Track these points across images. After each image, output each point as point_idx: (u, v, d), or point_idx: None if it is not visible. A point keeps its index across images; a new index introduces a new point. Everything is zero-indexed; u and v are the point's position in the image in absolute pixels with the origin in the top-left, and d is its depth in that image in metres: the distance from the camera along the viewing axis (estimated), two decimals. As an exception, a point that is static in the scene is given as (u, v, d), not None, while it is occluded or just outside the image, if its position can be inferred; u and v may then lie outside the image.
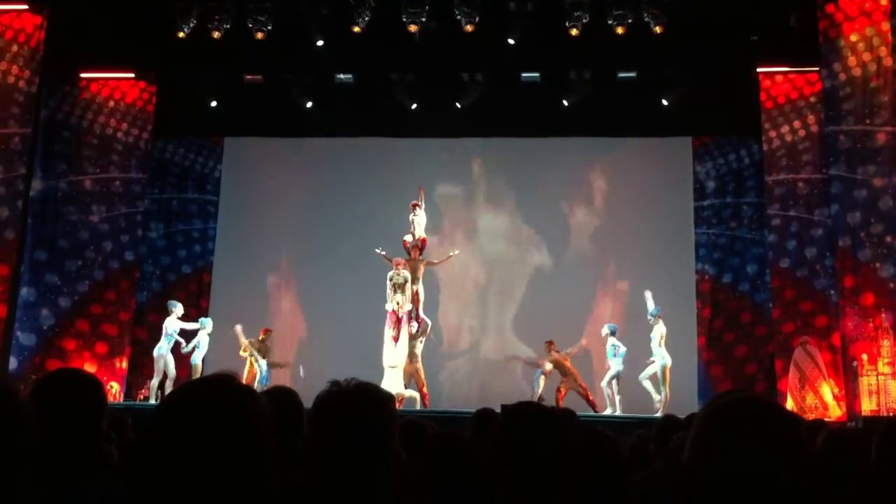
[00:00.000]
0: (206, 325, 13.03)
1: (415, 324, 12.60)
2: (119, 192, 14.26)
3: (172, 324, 12.72)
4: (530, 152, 15.17)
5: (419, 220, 13.09)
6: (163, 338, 12.68)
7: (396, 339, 12.29)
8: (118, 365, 13.65)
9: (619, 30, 12.57)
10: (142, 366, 14.21)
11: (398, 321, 12.36)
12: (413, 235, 13.01)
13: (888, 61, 12.02)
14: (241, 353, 12.69)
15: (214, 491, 1.36)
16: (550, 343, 12.53)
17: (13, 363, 12.94)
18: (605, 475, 2.69)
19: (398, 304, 12.40)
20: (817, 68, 12.89)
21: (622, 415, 11.98)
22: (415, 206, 13.13)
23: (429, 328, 12.93)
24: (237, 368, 12.34)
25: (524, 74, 14.03)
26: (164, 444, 1.39)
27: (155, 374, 12.58)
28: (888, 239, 11.78)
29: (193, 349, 12.74)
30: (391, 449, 1.91)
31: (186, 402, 1.45)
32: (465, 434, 3.29)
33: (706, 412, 1.57)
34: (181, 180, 15.49)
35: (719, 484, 1.45)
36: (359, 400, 1.92)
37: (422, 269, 12.98)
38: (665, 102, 14.02)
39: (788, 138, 13.51)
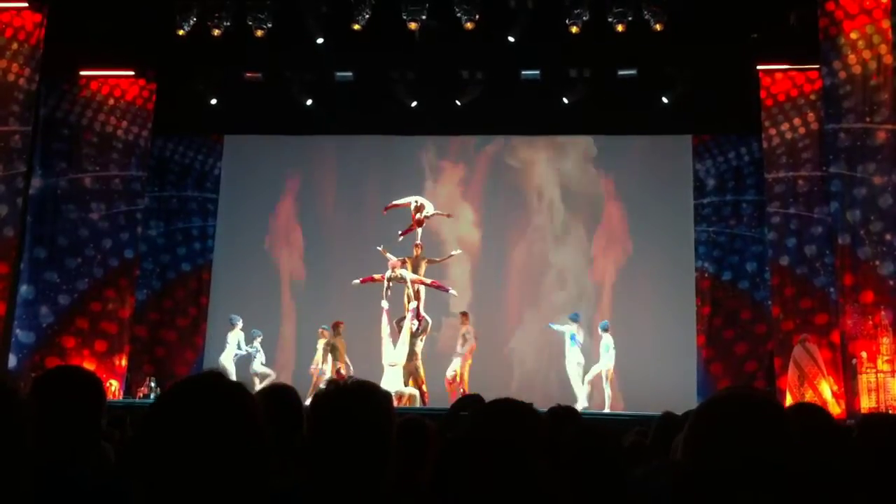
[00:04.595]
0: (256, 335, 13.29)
1: (415, 322, 12.61)
2: (119, 190, 14.25)
3: (235, 336, 13.05)
4: (530, 150, 15.19)
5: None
6: (226, 348, 13.00)
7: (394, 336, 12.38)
8: (117, 363, 13.64)
9: (619, 27, 12.56)
10: (141, 364, 14.25)
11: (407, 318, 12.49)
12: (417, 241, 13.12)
13: (888, 59, 12.01)
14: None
15: (211, 488, 1.36)
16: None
17: (12, 361, 12.94)
18: (605, 472, 2.69)
19: (405, 299, 12.53)
20: (817, 66, 12.89)
21: (622, 412, 12.00)
22: (422, 221, 13.14)
23: (429, 326, 12.95)
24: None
25: (524, 72, 14.02)
26: (158, 442, 1.39)
27: None
28: (888, 237, 11.78)
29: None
30: (389, 447, 1.91)
31: (179, 400, 1.45)
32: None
33: (699, 410, 1.57)
34: (181, 178, 15.47)
35: (713, 479, 1.45)
36: (356, 398, 1.92)
37: (423, 267, 13.00)
38: (665, 100, 14.02)
39: (788, 136, 13.51)
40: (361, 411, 1.89)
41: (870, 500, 2.20)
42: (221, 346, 13.18)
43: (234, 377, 12.06)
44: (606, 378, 12.34)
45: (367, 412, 1.90)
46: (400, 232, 13.22)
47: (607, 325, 12.64)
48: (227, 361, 12.79)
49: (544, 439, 2.11)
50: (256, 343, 13.16)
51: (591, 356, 12.81)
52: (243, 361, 13.00)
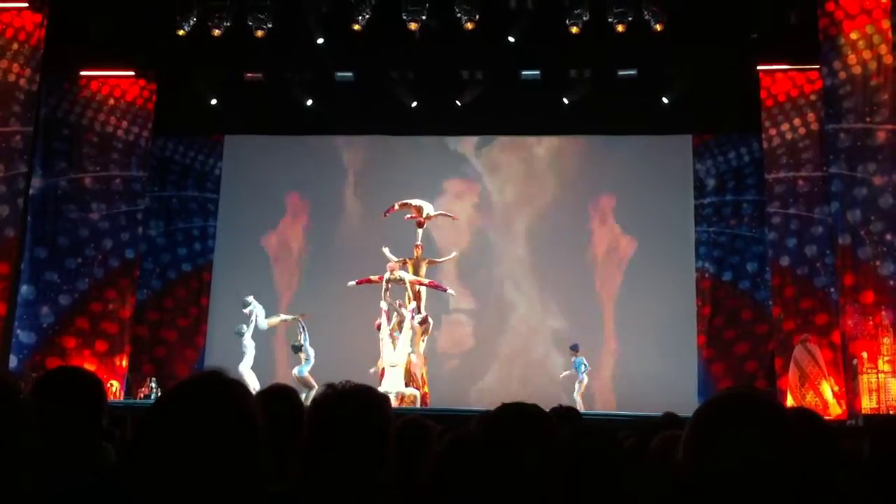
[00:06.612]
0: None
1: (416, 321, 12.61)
2: (119, 190, 14.26)
3: (256, 309, 13.00)
4: (530, 150, 15.19)
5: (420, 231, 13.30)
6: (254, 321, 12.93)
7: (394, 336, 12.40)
8: (118, 363, 13.65)
9: (620, 28, 12.55)
10: (141, 364, 14.25)
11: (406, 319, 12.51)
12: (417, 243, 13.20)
13: (888, 59, 12.01)
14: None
15: (208, 489, 1.36)
16: None
17: (13, 361, 12.94)
18: (604, 474, 2.69)
19: (406, 300, 12.58)
20: (817, 66, 12.89)
21: (622, 412, 12.00)
22: (423, 222, 13.20)
23: (430, 327, 12.95)
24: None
25: (524, 72, 14.01)
26: (156, 444, 1.40)
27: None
28: (888, 237, 11.78)
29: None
30: (385, 450, 1.91)
31: (177, 402, 1.45)
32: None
33: (700, 410, 1.57)
34: (181, 178, 15.48)
35: (714, 479, 1.45)
36: (353, 402, 1.93)
37: (424, 267, 13.01)
38: (665, 100, 14.02)
39: (789, 136, 13.51)
40: (358, 415, 1.90)
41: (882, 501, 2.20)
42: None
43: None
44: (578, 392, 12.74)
45: (363, 415, 1.90)
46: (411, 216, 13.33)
47: (577, 346, 13.04)
48: (267, 323, 12.97)
49: (552, 442, 2.11)
50: (253, 305, 13.00)
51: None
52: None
